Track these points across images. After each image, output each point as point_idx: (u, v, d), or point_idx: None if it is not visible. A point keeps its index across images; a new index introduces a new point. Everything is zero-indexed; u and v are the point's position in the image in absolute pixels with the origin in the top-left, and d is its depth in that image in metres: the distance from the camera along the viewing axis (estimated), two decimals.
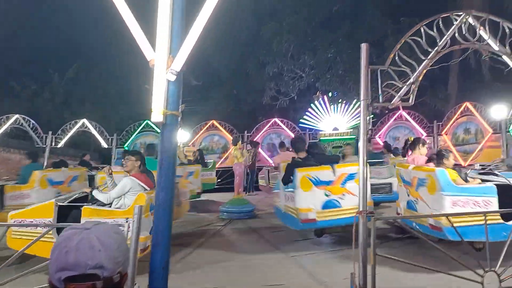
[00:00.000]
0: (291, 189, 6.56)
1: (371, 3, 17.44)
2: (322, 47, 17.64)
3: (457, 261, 3.97)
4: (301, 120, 17.12)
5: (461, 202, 5.34)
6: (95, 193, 5.54)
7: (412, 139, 8.96)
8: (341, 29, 17.57)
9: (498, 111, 12.87)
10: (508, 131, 12.63)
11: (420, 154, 7.07)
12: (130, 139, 16.82)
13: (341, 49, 17.46)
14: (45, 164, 13.66)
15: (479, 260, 3.96)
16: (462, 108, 14.83)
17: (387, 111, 16.00)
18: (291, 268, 5.66)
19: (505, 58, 4.73)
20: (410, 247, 6.28)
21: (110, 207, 5.38)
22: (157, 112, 2.03)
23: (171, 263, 5.66)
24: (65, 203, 5.59)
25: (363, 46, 4.25)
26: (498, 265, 3.92)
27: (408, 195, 6.39)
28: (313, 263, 5.88)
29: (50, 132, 15.38)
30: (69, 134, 16.05)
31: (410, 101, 4.32)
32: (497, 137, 12.84)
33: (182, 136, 16.69)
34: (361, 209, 3.98)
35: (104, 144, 16.63)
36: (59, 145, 15.67)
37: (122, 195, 5.39)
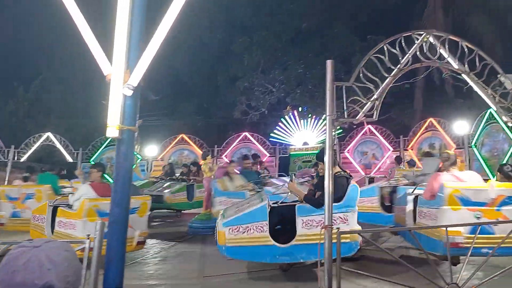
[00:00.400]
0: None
1: (340, 21, 17.86)
2: (292, 63, 17.92)
3: (420, 274, 4.03)
4: (271, 135, 17.21)
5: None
6: (70, 196, 6.45)
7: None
8: (311, 46, 17.89)
9: (460, 126, 13.34)
10: (471, 146, 13.06)
11: None
12: (97, 153, 16.46)
13: (310, 65, 17.77)
14: (7, 179, 13.23)
15: (442, 273, 4.03)
16: (426, 124, 15.25)
17: (355, 126, 16.29)
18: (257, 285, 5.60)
19: (464, 76, 4.89)
20: (381, 262, 6.32)
21: None
22: (113, 127, 1.99)
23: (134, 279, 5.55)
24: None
25: (328, 63, 4.32)
26: (459, 278, 4.00)
27: None
28: (280, 278, 5.83)
29: (12, 146, 14.90)
30: (33, 148, 15.59)
31: (374, 117, 4.39)
32: (460, 152, 13.24)
33: (151, 150, 16.49)
34: (326, 223, 4.01)
35: (70, 159, 16.22)
36: (22, 159, 15.19)
37: (78, 199, 5.99)
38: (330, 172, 4.16)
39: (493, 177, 9.81)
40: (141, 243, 6.21)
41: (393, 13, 18.77)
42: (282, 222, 5.46)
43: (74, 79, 22.01)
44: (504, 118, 5.10)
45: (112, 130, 1.99)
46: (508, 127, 11.17)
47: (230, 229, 5.16)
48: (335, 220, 5.17)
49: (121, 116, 2.00)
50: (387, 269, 5.65)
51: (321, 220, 5.06)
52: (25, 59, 21.52)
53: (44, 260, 1.25)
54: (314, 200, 5.29)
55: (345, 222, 5.19)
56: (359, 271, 4.55)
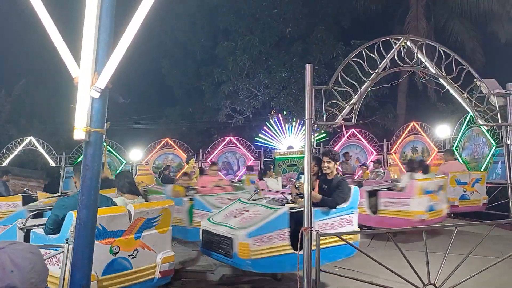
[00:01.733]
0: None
1: (324, 26, 18.00)
2: (276, 67, 17.97)
3: (398, 275, 4.08)
4: (256, 139, 17.26)
5: None
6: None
7: None
8: (295, 50, 18.00)
9: (442, 130, 13.54)
10: (452, 150, 13.25)
11: None
12: (80, 157, 16.31)
13: (295, 69, 17.86)
14: None
15: (419, 273, 4.08)
16: (409, 128, 15.44)
17: (339, 130, 16.42)
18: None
19: (441, 80, 4.99)
20: (362, 262, 6.36)
21: None
22: (80, 130, 1.99)
23: None
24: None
25: (308, 67, 4.40)
26: (436, 278, 4.05)
27: None
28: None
29: None
30: (15, 153, 15.40)
31: (352, 120, 4.45)
32: (442, 155, 13.41)
33: (135, 154, 16.40)
34: (305, 226, 4.04)
35: (52, 163, 16.05)
36: (4, 164, 14.98)
37: None
38: (309, 176, 4.20)
39: None
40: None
41: (376, 18, 19.03)
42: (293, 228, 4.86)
43: (57, 82, 21.76)
44: (480, 121, 5.21)
45: (79, 132, 2.00)
46: (487, 130, 11.37)
47: (255, 239, 4.61)
48: (342, 222, 5.30)
49: (89, 118, 2.00)
50: (364, 271, 5.69)
51: (333, 223, 5.23)
52: (7, 62, 21.20)
53: (7, 262, 1.25)
54: (331, 201, 5.26)
55: (350, 224, 5.35)
56: (337, 274, 4.61)
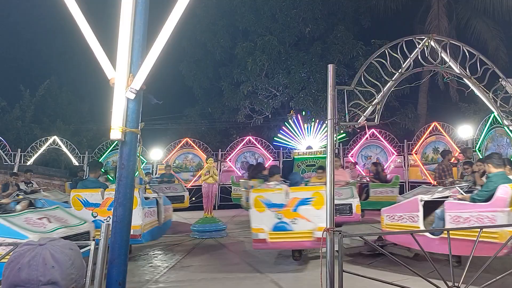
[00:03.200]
0: None
1: (343, 26, 17.91)
2: (295, 67, 17.95)
3: (421, 276, 4.05)
4: (275, 139, 17.25)
5: None
6: None
7: None
8: (314, 50, 17.94)
9: (465, 131, 13.32)
10: (475, 150, 13.03)
11: None
12: (103, 157, 16.57)
13: (314, 69, 17.80)
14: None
15: (443, 275, 4.04)
16: (431, 128, 15.23)
17: (359, 130, 16.30)
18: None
19: (465, 80, 4.92)
20: (380, 264, 6.35)
21: None
22: (116, 130, 2.04)
23: (141, 283, 5.59)
24: None
25: (330, 67, 4.37)
26: (461, 280, 4.01)
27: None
28: (288, 282, 5.86)
29: (19, 150, 15.03)
30: (39, 152, 15.72)
31: (375, 120, 4.42)
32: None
33: (155, 154, 16.58)
34: (328, 226, 4.03)
35: (75, 162, 16.33)
36: (28, 163, 15.31)
37: None
38: (332, 178, 4.20)
39: None
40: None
41: (396, 18, 18.84)
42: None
43: (80, 83, 22.18)
44: (506, 122, 5.12)
45: (116, 133, 2.05)
46: (511, 131, 11.15)
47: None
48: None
49: (124, 118, 2.05)
50: (387, 271, 5.66)
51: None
52: (32, 63, 21.70)
53: (48, 258, 1.28)
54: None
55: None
56: (359, 274, 4.59)
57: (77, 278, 1.36)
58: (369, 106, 4.48)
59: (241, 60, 18.49)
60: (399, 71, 4.57)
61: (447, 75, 4.89)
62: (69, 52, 20.65)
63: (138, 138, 2.12)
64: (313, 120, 16.82)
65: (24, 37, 21.75)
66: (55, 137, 16.16)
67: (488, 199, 5.35)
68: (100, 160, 16.35)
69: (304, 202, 6.07)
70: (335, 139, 4.28)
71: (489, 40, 17.50)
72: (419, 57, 4.68)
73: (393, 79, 4.55)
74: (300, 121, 16.79)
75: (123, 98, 2.04)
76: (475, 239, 3.95)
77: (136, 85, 2.02)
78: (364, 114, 4.44)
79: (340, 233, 4.13)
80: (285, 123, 17.22)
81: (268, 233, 6.09)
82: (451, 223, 5.59)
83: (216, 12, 19.26)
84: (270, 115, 19.63)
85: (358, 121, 4.47)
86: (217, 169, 13.13)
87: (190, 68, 20.37)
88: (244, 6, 18.49)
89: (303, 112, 17.86)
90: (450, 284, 4.04)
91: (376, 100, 4.47)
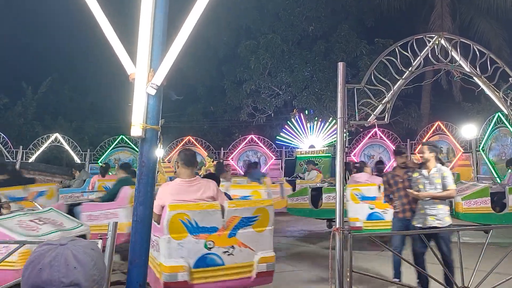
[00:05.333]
0: None
1: (347, 24, 17.86)
2: (298, 66, 17.89)
3: (431, 277, 4.01)
4: (278, 137, 17.22)
5: None
6: None
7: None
8: (317, 49, 17.89)
9: (468, 130, 13.27)
10: (478, 150, 13.00)
11: None
12: (105, 154, 16.54)
13: (317, 68, 17.75)
14: None
15: (452, 276, 4.01)
16: (434, 127, 15.21)
17: (362, 130, 16.27)
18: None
19: (475, 79, 4.89)
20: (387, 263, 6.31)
21: None
22: (137, 127, 2.00)
23: None
24: None
25: (340, 65, 4.31)
26: (470, 281, 3.97)
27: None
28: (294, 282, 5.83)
29: (21, 147, 15.00)
30: (41, 149, 15.69)
31: (385, 119, 4.38)
32: (467, 156, 13.18)
33: (157, 152, 16.54)
34: (337, 226, 4.00)
35: (77, 159, 16.31)
36: (30, 160, 15.28)
37: None
38: (342, 174, 4.16)
39: (500, 180, 9.78)
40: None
41: (400, 17, 18.79)
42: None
43: (82, 80, 22.14)
44: None
45: (136, 129, 2.00)
46: None
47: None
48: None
49: (145, 115, 2.01)
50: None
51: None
52: (33, 60, 21.65)
53: (70, 258, 1.23)
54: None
55: None
56: (368, 274, 4.56)
57: (99, 279, 1.31)
58: (378, 105, 4.44)
59: (244, 59, 18.43)
60: (409, 69, 4.52)
61: (457, 74, 4.85)
62: (71, 49, 20.64)
63: (158, 135, 2.09)
64: (316, 119, 16.78)
65: (26, 33, 21.72)
66: (57, 134, 16.14)
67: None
68: (101, 158, 16.34)
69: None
70: (345, 137, 4.24)
71: (492, 40, 17.44)
72: (429, 55, 4.64)
73: (403, 77, 4.51)
74: (303, 120, 16.76)
75: (144, 94, 2.00)
76: None
77: (157, 81, 1.98)
78: (374, 113, 4.40)
79: (349, 232, 4.10)
80: (288, 122, 17.20)
81: None
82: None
83: (220, 9, 19.21)
84: (272, 114, 19.58)
85: (368, 120, 4.43)
86: None
87: (192, 66, 20.31)
88: (248, 4, 18.44)
89: (306, 111, 17.83)
90: (460, 285, 4.01)
91: (386, 99, 4.43)
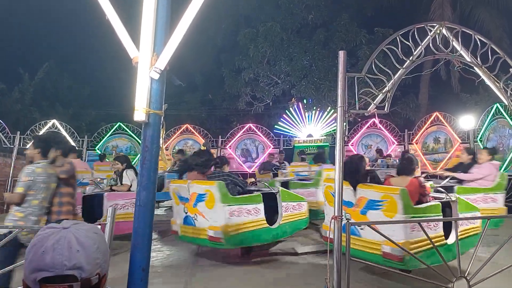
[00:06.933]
0: None
1: (346, 13, 17.75)
2: (297, 54, 17.81)
3: (429, 266, 4.04)
4: (276, 126, 17.21)
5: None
6: None
7: None
8: (317, 38, 17.80)
9: (466, 121, 13.30)
10: (476, 141, 13.04)
11: None
12: (102, 141, 16.50)
13: (316, 57, 17.67)
14: (12, 165, 13.31)
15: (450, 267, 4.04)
16: (432, 118, 15.21)
17: (360, 119, 16.25)
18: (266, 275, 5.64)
19: (476, 69, 4.88)
20: None
21: None
22: (140, 111, 1.99)
23: None
24: None
25: (341, 54, 4.28)
26: (467, 271, 4.01)
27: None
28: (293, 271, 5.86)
29: (18, 133, 14.93)
30: (38, 135, 15.62)
31: (385, 108, 4.38)
32: (465, 146, 13.20)
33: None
34: (336, 214, 4.01)
35: (75, 146, 16.25)
36: (28, 146, 15.21)
37: None
38: (341, 164, 4.16)
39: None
40: None
41: (400, 6, 18.69)
42: None
43: (79, 66, 22.01)
44: None
45: (140, 114, 1.99)
46: None
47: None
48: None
49: (148, 99, 2.00)
50: None
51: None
52: (31, 46, 21.49)
53: (73, 241, 1.23)
54: None
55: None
56: (366, 263, 4.59)
57: (102, 263, 1.31)
58: (379, 94, 4.43)
59: (243, 47, 18.32)
60: (410, 58, 4.51)
61: (458, 64, 4.83)
62: (68, 35, 20.48)
63: (162, 120, 2.08)
64: (314, 108, 16.76)
65: (23, 19, 21.50)
66: (54, 120, 16.06)
67: None
68: (99, 145, 16.30)
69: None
70: (346, 127, 4.23)
71: (493, 30, 17.37)
72: (430, 44, 4.62)
73: (404, 66, 4.50)
74: (301, 109, 16.73)
75: (147, 78, 1.98)
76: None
77: (160, 65, 1.96)
78: (374, 102, 4.40)
79: (348, 220, 4.11)
80: (286, 111, 17.17)
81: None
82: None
83: None
84: (271, 103, 19.55)
85: (368, 109, 4.42)
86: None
87: (190, 53, 20.19)
88: None
89: (305, 100, 17.79)
90: (457, 275, 4.05)
91: (386, 88, 4.43)
